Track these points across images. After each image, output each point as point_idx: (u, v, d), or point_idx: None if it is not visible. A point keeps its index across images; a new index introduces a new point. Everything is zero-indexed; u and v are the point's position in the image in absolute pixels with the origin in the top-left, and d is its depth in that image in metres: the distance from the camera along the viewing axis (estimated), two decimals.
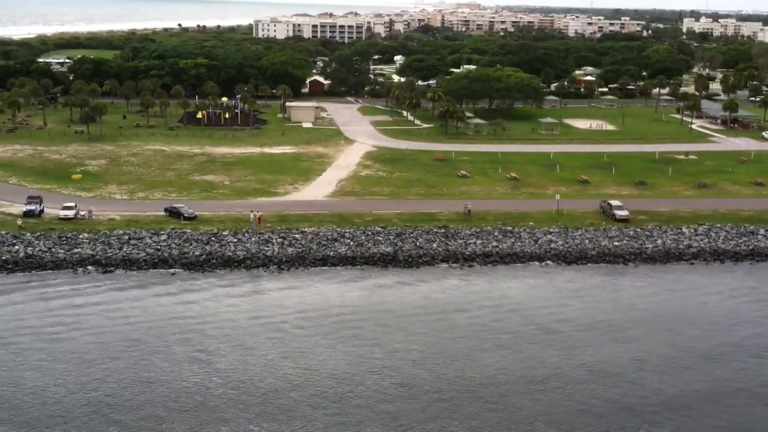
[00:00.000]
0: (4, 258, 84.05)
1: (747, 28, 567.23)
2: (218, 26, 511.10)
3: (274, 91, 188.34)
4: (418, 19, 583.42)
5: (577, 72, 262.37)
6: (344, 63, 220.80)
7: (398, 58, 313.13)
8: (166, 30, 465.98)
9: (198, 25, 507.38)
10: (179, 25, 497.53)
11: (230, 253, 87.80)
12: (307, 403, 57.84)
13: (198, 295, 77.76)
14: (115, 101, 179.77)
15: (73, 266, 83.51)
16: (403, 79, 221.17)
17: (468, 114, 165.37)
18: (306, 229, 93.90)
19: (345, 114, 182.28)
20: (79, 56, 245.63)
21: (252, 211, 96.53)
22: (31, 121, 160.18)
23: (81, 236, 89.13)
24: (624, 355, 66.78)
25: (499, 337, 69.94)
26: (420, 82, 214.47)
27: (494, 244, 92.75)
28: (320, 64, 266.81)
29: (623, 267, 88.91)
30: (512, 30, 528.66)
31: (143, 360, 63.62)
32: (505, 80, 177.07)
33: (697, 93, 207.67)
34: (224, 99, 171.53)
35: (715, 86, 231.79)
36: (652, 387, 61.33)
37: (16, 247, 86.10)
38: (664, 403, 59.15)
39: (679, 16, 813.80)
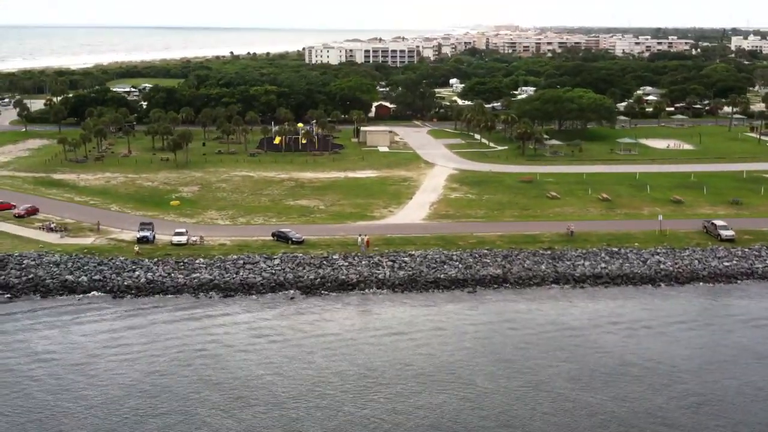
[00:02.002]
0: (126, 283, 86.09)
1: None
2: (267, 53, 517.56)
3: (344, 116, 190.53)
4: (465, 42, 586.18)
5: (637, 92, 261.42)
6: (410, 87, 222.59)
7: (453, 81, 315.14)
8: (218, 58, 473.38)
9: (248, 53, 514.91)
10: (231, 52, 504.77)
11: (343, 277, 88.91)
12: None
13: (329, 317, 79.10)
14: (191, 128, 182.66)
15: (193, 291, 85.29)
16: (467, 102, 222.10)
17: (544, 135, 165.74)
18: (413, 252, 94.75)
19: (417, 138, 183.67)
20: (149, 85, 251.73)
21: (360, 235, 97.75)
22: (114, 148, 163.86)
23: (197, 261, 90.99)
24: None
25: (654, 355, 70.66)
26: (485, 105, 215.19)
27: (603, 265, 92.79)
28: (379, 89, 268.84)
29: (738, 286, 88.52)
30: (559, 51, 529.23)
31: (307, 377, 64.97)
32: (578, 101, 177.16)
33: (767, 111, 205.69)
34: (300, 125, 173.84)
35: None
36: None
37: (137, 272, 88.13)
38: None
39: (724, 33, 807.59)
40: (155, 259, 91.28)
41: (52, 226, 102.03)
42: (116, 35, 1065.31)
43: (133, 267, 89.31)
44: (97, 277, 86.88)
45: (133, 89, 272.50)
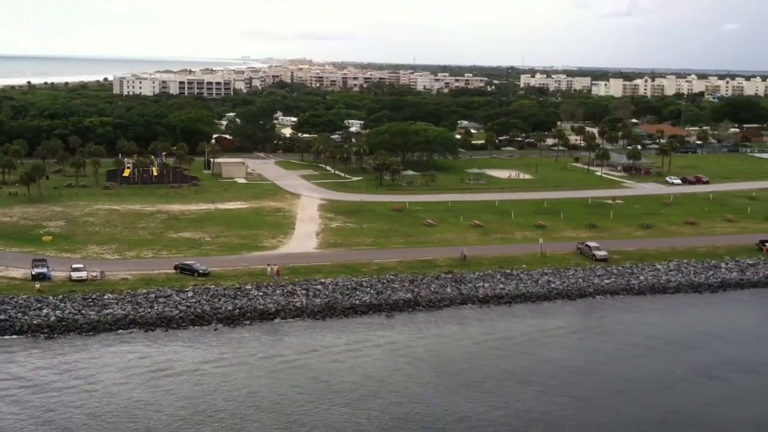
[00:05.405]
0: (36, 323, 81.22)
1: (578, 83, 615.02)
2: (66, 83, 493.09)
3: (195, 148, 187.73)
4: (273, 75, 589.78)
5: (458, 126, 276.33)
6: (250, 119, 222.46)
7: (278, 114, 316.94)
8: (13, 87, 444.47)
9: (45, 82, 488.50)
10: (28, 82, 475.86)
11: (261, 306, 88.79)
12: None
13: (273, 349, 78.89)
14: (25, 161, 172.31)
15: (110, 327, 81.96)
16: (306, 135, 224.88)
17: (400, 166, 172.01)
18: (324, 280, 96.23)
19: (267, 169, 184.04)
20: None
21: (269, 265, 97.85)
22: None
23: (106, 297, 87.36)
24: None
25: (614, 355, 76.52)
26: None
27: (501, 286, 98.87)
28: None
29: (624, 299, 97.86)
30: (365, 85, 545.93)
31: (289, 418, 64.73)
32: (424, 134, 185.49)
33: (582, 143, 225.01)
34: (152, 156, 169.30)
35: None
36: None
37: (45, 310, 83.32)
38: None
39: (508, 72, 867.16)
40: (60, 296, 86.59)
41: None
42: None
43: (39, 305, 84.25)
44: (2, 316, 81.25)
45: None
